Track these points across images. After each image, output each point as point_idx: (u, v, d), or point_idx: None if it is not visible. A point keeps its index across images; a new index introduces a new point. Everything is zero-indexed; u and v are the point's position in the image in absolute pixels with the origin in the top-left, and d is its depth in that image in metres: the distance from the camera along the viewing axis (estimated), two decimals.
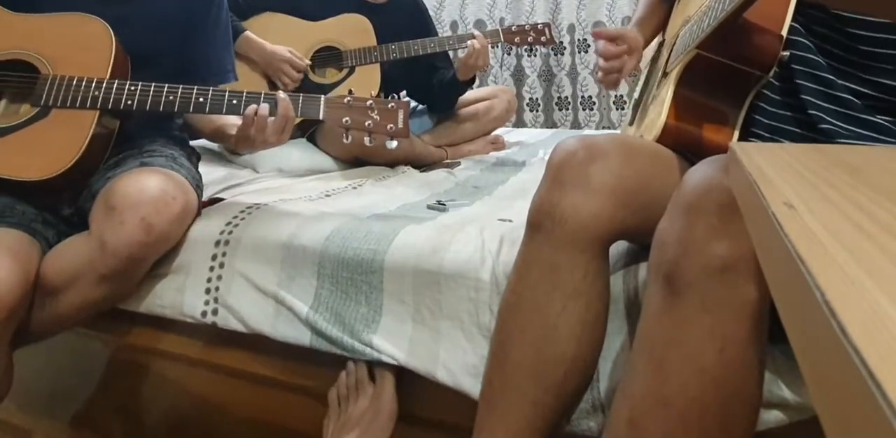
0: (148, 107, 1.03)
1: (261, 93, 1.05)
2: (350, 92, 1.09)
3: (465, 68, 1.79)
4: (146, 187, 0.97)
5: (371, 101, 1.06)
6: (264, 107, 1.03)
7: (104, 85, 1.02)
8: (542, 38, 1.86)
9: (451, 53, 2.10)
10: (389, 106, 1.06)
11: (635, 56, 1.08)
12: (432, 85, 1.90)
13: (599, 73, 1.11)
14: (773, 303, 0.26)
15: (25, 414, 1.31)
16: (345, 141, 1.07)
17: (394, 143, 1.06)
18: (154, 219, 0.95)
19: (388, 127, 1.05)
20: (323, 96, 1.07)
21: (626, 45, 1.06)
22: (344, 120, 1.05)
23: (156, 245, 0.98)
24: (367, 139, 1.06)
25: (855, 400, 0.15)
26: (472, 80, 1.87)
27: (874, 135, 0.71)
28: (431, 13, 2.19)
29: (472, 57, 1.74)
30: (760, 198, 0.27)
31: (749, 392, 0.60)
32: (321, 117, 1.05)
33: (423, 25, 1.93)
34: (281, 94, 1.04)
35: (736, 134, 0.81)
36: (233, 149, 1.66)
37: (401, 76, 1.84)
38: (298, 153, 1.65)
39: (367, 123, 1.05)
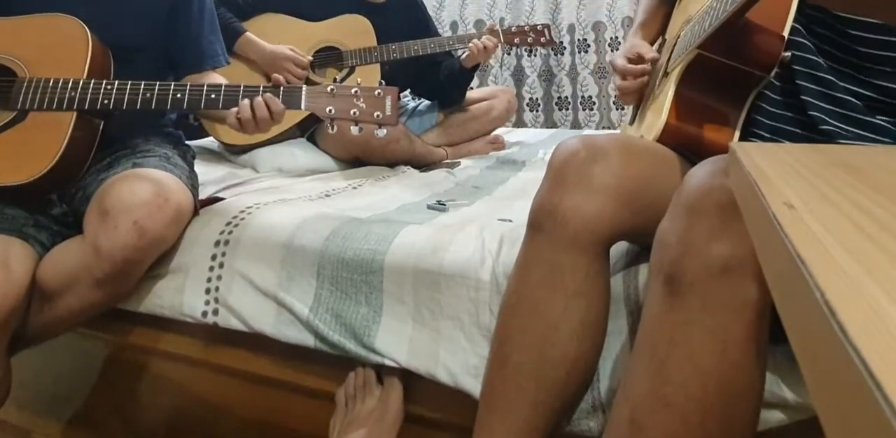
0: (125, 106, 1.02)
1: (240, 87, 1.03)
2: (335, 80, 1.07)
3: (470, 60, 1.83)
4: (138, 190, 0.96)
5: (356, 89, 1.02)
6: (246, 108, 1.01)
7: (80, 85, 1.01)
8: (542, 39, 1.86)
9: None
10: (376, 93, 1.02)
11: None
12: (441, 80, 1.91)
13: (617, 92, 1.09)
14: (774, 304, 0.26)
15: (25, 414, 1.31)
16: (330, 131, 1.03)
17: (383, 132, 1.03)
18: (147, 223, 0.94)
19: (375, 114, 1.02)
20: (304, 86, 1.04)
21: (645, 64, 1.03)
22: (328, 109, 1.01)
23: (150, 248, 0.97)
24: (353, 128, 1.02)
25: (855, 400, 0.15)
26: (476, 67, 1.89)
27: (874, 136, 0.71)
28: (431, 13, 2.19)
29: (478, 55, 1.78)
30: (760, 198, 0.27)
31: (750, 392, 0.60)
32: (303, 108, 1.02)
33: (423, 25, 1.94)
34: (267, 95, 1.02)
35: (737, 134, 0.81)
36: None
37: (402, 75, 1.84)
38: (298, 153, 1.65)
39: (352, 112, 1.01)
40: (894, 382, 0.14)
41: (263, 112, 1.01)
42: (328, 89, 1.03)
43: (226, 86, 1.04)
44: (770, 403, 0.71)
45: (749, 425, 0.60)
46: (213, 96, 1.03)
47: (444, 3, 2.83)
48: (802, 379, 0.31)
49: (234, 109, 1.02)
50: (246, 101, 1.02)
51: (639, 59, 1.03)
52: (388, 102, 1.02)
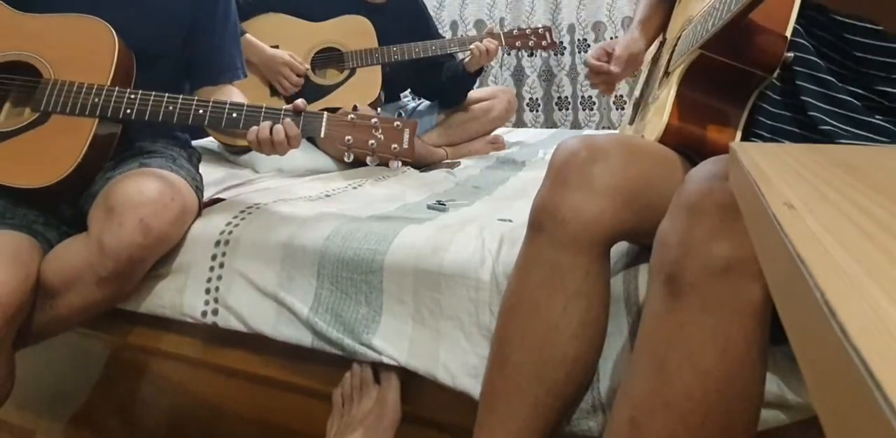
0: (147, 118, 1.02)
1: (261, 109, 1.02)
2: (355, 108, 1.06)
3: (473, 64, 1.82)
4: (145, 189, 0.96)
5: (375, 120, 1.02)
6: (265, 130, 1.00)
7: (104, 92, 1.01)
8: (543, 42, 1.86)
9: None
10: (395, 125, 1.02)
11: (623, 64, 1.10)
12: (442, 81, 1.91)
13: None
14: (774, 304, 0.26)
15: (26, 414, 1.31)
16: (346, 160, 1.03)
17: (397, 164, 1.03)
18: (152, 221, 0.94)
19: (393, 147, 1.01)
20: (325, 113, 1.03)
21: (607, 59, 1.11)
22: (346, 139, 1.01)
23: (154, 246, 0.98)
24: (369, 159, 1.03)
25: (855, 400, 0.15)
26: (480, 71, 1.90)
27: (873, 136, 0.71)
28: (431, 13, 2.19)
29: (481, 57, 1.79)
30: (760, 198, 0.27)
31: (751, 392, 0.60)
32: (322, 136, 1.01)
33: (424, 26, 1.94)
34: (287, 121, 1.00)
35: (738, 134, 0.80)
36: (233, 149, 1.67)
37: (402, 75, 1.84)
38: (298, 153, 1.64)
39: (370, 143, 1.01)
40: (894, 382, 0.14)
41: (280, 136, 1.00)
42: (348, 118, 1.02)
43: (247, 106, 1.03)
44: (770, 403, 0.71)
45: (749, 425, 0.60)
46: (234, 115, 1.02)
47: (444, 3, 2.83)
48: (802, 379, 0.31)
49: (254, 128, 1.01)
50: (267, 123, 1.01)
51: (605, 56, 1.11)
52: (406, 135, 1.02)
